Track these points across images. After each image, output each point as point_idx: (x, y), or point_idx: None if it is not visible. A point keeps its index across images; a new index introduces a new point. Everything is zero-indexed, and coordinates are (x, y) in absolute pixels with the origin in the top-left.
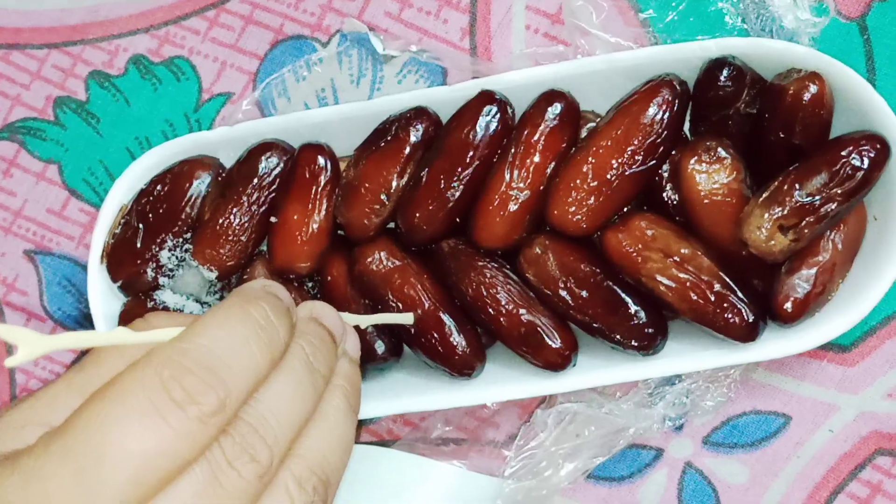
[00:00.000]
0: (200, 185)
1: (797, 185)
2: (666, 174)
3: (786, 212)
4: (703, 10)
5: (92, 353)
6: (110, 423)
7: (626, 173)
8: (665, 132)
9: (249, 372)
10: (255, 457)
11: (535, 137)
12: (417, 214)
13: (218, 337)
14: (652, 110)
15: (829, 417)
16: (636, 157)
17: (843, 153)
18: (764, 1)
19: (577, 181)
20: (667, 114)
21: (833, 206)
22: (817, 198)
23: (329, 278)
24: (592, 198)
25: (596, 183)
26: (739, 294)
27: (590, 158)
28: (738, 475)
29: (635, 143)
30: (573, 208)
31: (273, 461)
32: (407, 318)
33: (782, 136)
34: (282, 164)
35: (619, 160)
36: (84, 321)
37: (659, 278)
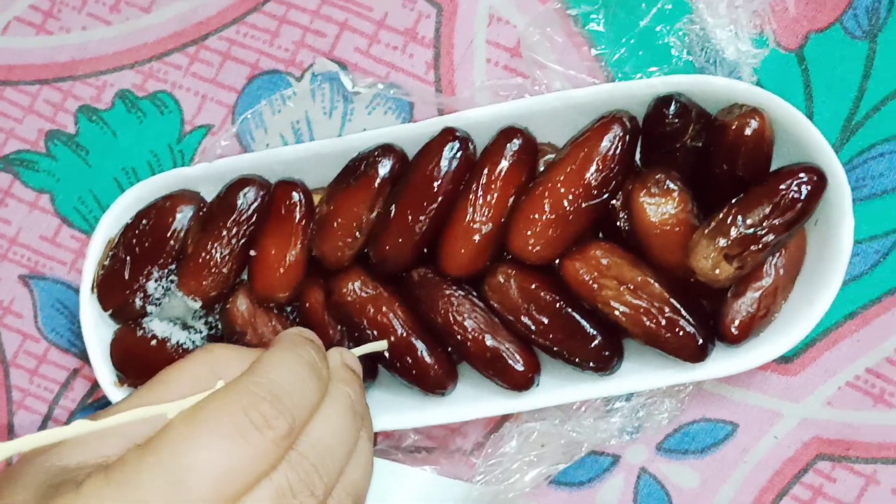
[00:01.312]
0: (183, 218)
1: (740, 217)
2: (619, 205)
3: (730, 242)
4: (651, 44)
5: (159, 374)
6: (200, 441)
7: (582, 205)
8: (617, 166)
9: (308, 403)
10: (314, 492)
11: (496, 172)
12: (387, 246)
13: (282, 374)
14: (604, 145)
15: (773, 425)
16: (591, 191)
17: (783, 186)
18: (707, 34)
19: (536, 214)
20: (618, 148)
21: (774, 236)
22: (759, 228)
23: (307, 305)
24: (550, 229)
25: (553, 215)
26: (689, 318)
27: (547, 192)
28: (689, 480)
29: (589, 176)
30: (532, 239)
31: (326, 494)
32: (381, 346)
33: (726, 168)
34: (259, 199)
35: (575, 193)
36: (77, 341)
37: (614, 304)
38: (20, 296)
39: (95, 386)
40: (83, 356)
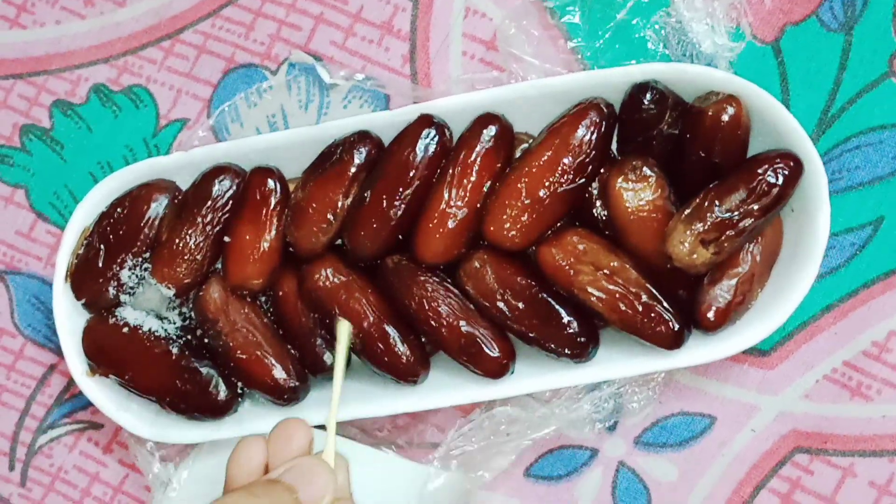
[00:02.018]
0: (158, 207)
1: (717, 202)
2: (595, 191)
3: (706, 227)
4: (627, 37)
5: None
6: None
7: (558, 191)
8: (593, 152)
9: None
10: None
11: (472, 158)
12: (362, 233)
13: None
14: (580, 132)
15: (751, 418)
16: (566, 176)
17: (759, 171)
18: (683, 28)
19: (512, 199)
20: (594, 135)
21: (751, 221)
22: (736, 213)
23: (280, 293)
24: (526, 215)
25: (529, 201)
26: (665, 304)
27: (523, 178)
28: (667, 473)
29: (565, 162)
30: (508, 225)
31: None
32: (343, 346)
33: (703, 155)
34: (234, 187)
35: (551, 179)
36: (52, 336)
37: (590, 290)
38: None
39: (72, 382)
40: (59, 351)
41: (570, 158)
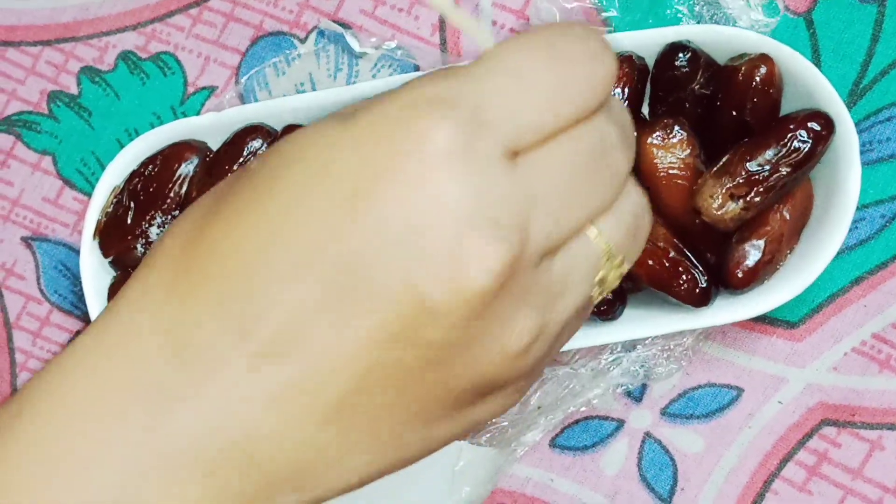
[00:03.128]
0: (189, 166)
1: (748, 158)
2: None
3: (737, 182)
4: (660, 12)
5: None
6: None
7: None
8: (626, 102)
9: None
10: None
11: None
12: None
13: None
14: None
15: (778, 390)
16: None
17: (791, 128)
18: (718, 3)
19: None
20: (627, 87)
21: (781, 177)
22: (766, 169)
23: None
24: None
25: None
26: (693, 261)
27: None
28: (694, 445)
29: None
30: None
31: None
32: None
33: (734, 114)
34: (265, 146)
35: None
36: (79, 303)
37: None
38: (23, 258)
39: None
40: (86, 318)
41: None
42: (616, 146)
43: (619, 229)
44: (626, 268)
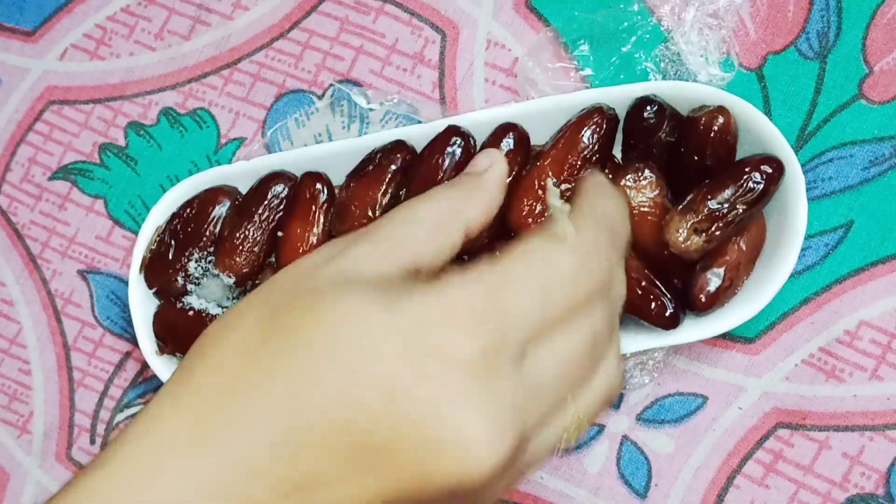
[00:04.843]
0: (222, 208)
1: (709, 197)
2: None
3: (700, 218)
4: (631, 68)
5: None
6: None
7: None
8: (597, 148)
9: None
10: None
11: None
12: None
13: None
14: (585, 133)
15: (738, 397)
16: (574, 172)
17: (746, 170)
18: (681, 59)
19: (528, 193)
20: (597, 134)
21: (738, 213)
22: (725, 206)
23: None
24: (540, 206)
25: (542, 193)
26: (662, 289)
27: (536, 175)
28: (665, 446)
29: (572, 159)
30: (525, 213)
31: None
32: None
33: (696, 159)
34: (287, 190)
35: (561, 176)
36: (128, 328)
37: None
38: (79, 288)
39: (145, 366)
40: (134, 341)
41: (576, 155)
42: (603, 331)
43: (595, 402)
44: (587, 427)
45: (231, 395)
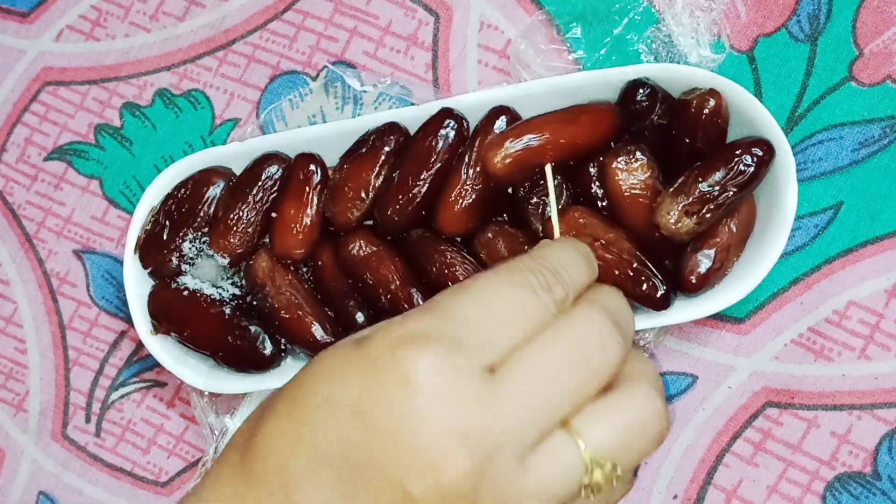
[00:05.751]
0: (216, 189)
1: (700, 179)
2: (594, 173)
3: (690, 200)
4: (623, 50)
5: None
6: (501, 287)
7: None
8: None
9: (580, 283)
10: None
11: (486, 144)
12: (391, 208)
13: (559, 255)
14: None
15: (728, 377)
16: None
17: (737, 153)
18: (672, 41)
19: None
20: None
21: (729, 196)
22: (716, 189)
23: (319, 262)
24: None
25: None
26: (654, 270)
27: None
28: None
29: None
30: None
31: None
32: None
33: (688, 141)
34: (281, 171)
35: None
36: (122, 306)
37: None
38: (74, 268)
39: (140, 345)
40: (129, 320)
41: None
42: (596, 343)
43: (611, 437)
44: (619, 473)
45: None
